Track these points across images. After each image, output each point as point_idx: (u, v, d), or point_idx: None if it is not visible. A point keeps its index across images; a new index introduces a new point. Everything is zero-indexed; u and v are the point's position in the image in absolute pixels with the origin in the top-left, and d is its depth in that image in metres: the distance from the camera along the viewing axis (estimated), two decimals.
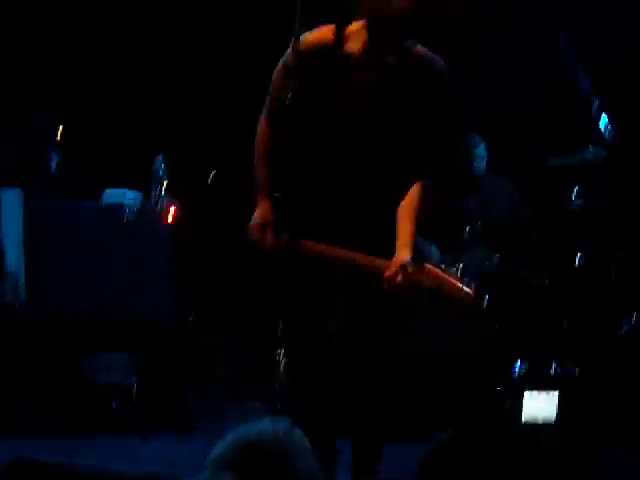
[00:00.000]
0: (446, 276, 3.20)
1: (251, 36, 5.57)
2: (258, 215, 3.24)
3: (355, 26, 3.16)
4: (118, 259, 4.68)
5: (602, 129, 4.61)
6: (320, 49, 3.17)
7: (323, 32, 3.20)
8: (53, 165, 4.92)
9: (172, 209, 4.64)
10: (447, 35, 5.07)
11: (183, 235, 4.69)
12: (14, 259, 4.70)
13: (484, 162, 5.45)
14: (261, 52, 3.87)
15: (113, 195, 4.79)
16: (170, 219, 4.61)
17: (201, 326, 4.73)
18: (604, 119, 4.61)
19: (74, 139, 5.03)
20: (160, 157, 4.76)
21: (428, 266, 3.17)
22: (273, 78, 3.27)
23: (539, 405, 4.05)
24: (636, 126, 4.87)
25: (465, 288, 3.20)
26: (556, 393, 4.09)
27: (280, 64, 3.23)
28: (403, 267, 3.02)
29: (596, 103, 4.60)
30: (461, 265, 4.75)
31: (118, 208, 4.68)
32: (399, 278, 3.03)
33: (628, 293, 4.67)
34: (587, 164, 4.77)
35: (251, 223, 3.26)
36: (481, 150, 5.41)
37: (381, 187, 3.17)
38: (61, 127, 4.86)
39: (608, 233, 4.80)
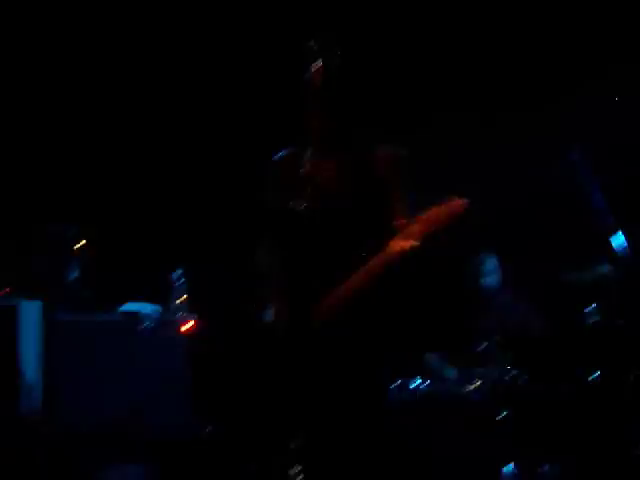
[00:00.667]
0: (432, 210, 3.24)
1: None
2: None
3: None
4: (135, 371, 4.68)
5: (617, 246, 4.68)
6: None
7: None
8: (73, 277, 4.97)
9: (190, 322, 4.72)
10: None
11: (201, 347, 4.73)
12: (32, 371, 4.70)
13: (494, 277, 5.50)
14: None
15: (132, 308, 4.83)
16: (188, 331, 4.67)
17: (217, 439, 4.73)
18: (620, 236, 4.69)
19: (94, 252, 5.09)
20: (180, 271, 4.92)
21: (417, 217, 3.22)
22: None
23: None
24: None
25: (453, 202, 3.24)
26: None
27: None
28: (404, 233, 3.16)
29: (611, 220, 4.70)
30: (478, 381, 4.91)
31: (137, 319, 4.75)
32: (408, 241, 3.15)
33: None
34: (603, 280, 4.82)
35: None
36: (489, 265, 5.49)
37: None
38: (84, 241, 4.95)
39: (624, 351, 4.80)
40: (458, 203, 3.23)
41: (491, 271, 5.51)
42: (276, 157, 3.49)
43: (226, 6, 5.94)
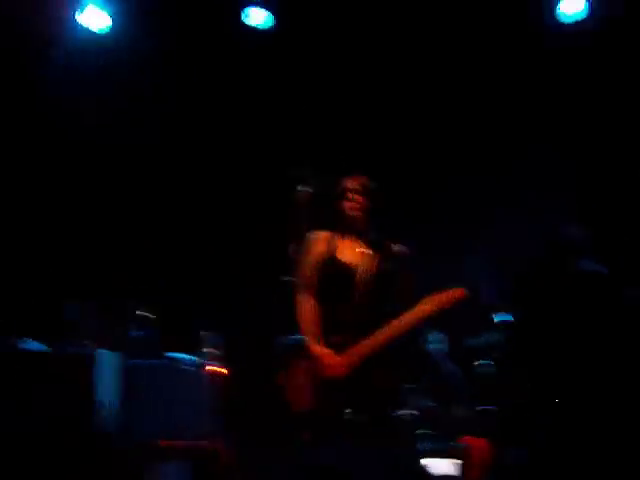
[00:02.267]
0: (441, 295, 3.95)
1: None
2: (329, 353, 3.97)
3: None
4: (182, 402, 5.94)
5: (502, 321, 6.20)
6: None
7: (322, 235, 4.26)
8: (135, 335, 6.32)
9: (224, 370, 6.08)
10: None
11: (231, 389, 5.97)
12: (107, 399, 5.80)
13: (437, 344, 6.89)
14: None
15: (177, 356, 6.19)
16: (221, 377, 6.04)
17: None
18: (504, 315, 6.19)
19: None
20: (207, 333, 6.39)
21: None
22: (299, 267, 4.19)
23: None
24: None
25: (452, 292, 3.96)
26: None
27: (304, 259, 4.19)
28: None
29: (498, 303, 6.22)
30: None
31: (182, 363, 6.07)
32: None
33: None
34: (490, 345, 6.41)
35: (329, 362, 3.95)
36: (437, 337, 6.86)
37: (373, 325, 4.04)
38: (145, 312, 6.32)
39: (505, 392, 6.18)
40: (462, 293, 3.97)
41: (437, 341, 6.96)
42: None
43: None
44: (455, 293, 3.97)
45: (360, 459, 3.81)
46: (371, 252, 4.22)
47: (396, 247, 4.28)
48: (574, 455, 5.43)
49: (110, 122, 7.06)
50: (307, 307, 4.17)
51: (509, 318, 6.13)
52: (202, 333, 6.44)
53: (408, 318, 3.98)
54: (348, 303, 4.10)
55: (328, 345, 4.07)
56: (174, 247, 7.21)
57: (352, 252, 4.24)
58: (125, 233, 7.16)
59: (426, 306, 3.98)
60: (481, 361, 6.51)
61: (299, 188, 4.45)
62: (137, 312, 6.52)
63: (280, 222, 4.46)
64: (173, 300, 7.04)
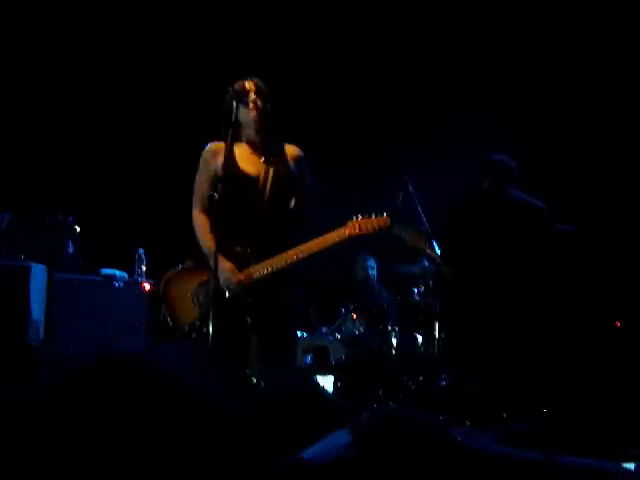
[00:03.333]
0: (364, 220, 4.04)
1: None
2: (227, 266, 4.03)
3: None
4: (109, 315, 6.01)
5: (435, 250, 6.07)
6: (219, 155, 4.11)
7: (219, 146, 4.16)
8: (69, 251, 6.32)
9: (148, 283, 6.15)
10: None
11: (155, 301, 5.53)
12: (37, 312, 5.93)
13: (374, 270, 7.17)
14: None
15: (109, 272, 6.24)
16: (147, 289, 6.07)
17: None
18: (435, 245, 6.06)
19: (84, 234, 6.41)
20: (141, 249, 6.38)
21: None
22: (196, 181, 4.19)
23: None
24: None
25: (377, 219, 4.03)
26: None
27: (201, 174, 4.18)
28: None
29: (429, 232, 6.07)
30: (337, 334, 6.64)
31: (112, 280, 6.16)
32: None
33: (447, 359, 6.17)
34: (423, 272, 6.50)
35: (227, 274, 4.02)
36: (372, 262, 7.09)
37: (277, 231, 4.15)
38: (77, 227, 6.32)
39: (436, 319, 6.29)
40: (385, 221, 4.05)
41: (372, 266, 7.15)
42: (208, 146, 4.17)
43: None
44: (379, 221, 4.03)
45: None
46: (270, 159, 4.19)
47: (291, 149, 4.27)
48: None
49: None
50: (202, 221, 4.19)
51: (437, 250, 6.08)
52: (139, 251, 6.41)
53: (326, 238, 4.05)
54: (250, 213, 4.12)
55: (231, 256, 4.11)
56: (114, 165, 7.26)
57: (251, 161, 4.22)
58: (67, 148, 7.17)
59: (346, 229, 4.04)
60: (414, 288, 6.56)
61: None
62: (75, 228, 6.48)
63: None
64: (111, 217, 7.11)
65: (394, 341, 6.46)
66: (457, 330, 6.20)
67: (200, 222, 4.21)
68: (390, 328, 6.57)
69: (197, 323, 4.13)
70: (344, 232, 4.07)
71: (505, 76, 7.27)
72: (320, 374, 6.09)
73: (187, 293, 4.18)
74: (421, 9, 7.31)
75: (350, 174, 7.29)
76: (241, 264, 4.11)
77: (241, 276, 4.08)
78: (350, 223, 4.08)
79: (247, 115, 4.13)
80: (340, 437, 1.71)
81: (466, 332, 5.89)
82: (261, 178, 4.17)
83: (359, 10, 7.31)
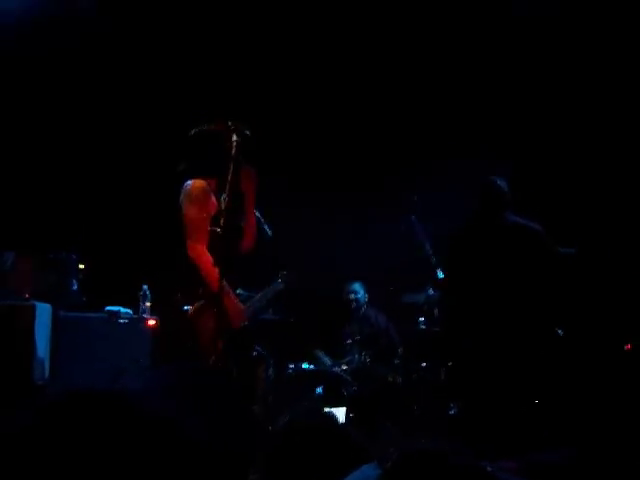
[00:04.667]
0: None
1: None
2: (240, 308, 4.29)
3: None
4: (114, 352, 5.95)
5: (438, 278, 6.09)
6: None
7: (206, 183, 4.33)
8: (73, 289, 6.33)
9: (153, 319, 6.11)
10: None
11: (161, 337, 5.75)
12: (42, 351, 5.91)
13: (361, 294, 7.03)
14: None
15: (114, 309, 6.20)
16: (151, 325, 6.04)
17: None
18: (440, 272, 6.09)
19: (89, 272, 6.43)
20: (145, 286, 6.35)
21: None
22: (196, 217, 4.26)
23: None
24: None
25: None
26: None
27: (200, 209, 4.27)
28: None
29: (435, 261, 6.10)
30: (344, 366, 6.65)
31: (117, 316, 6.12)
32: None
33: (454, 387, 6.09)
34: (428, 301, 6.39)
35: (239, 313, 4.26)
36: (356, 287, 6.99)
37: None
38: (82, 265, 6.32)
39: (440, 349, 6.30)
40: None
41: (356, 290, 7.09)
42: (199, 182, 4.29)
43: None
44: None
45: None
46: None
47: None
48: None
49: None
50: (208, 258, 4.20)
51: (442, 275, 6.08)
52: (143, 287, 6.38)
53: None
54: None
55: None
56: (118, 202, 7.25)
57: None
58: (69, 185, 7.19)
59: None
60: (420, 318, 6.49)
61: None
62: (79, 265, 6.48)
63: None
64: (115, 255, 7.09)
65: (400, 372, 6.45)
66: (460, 357, 6.14)
67: (207, 259, 4.20)
68: (397, 360, 6.59)
69: (215, 360, 4.11)
70: None
71: (503, 107, 7.32)
72: (332, 406, 6.01)
73: (208, 329, 4.15)
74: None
75: (352, 209, 7.29)
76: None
77: (246, 314, 4.35)
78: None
79: (234, 154, 4.13)
80: (368, 471, 1.65)
81: (469, 359, 5.86)
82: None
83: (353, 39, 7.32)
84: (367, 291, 7.14)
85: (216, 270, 4.03)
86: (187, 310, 4.27)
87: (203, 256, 4.21)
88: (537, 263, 5.75)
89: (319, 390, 6.27)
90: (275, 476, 2.04)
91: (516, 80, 7.24)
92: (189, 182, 4.30)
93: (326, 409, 5.63)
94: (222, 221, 4.03)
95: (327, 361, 6.86)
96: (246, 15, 6.96)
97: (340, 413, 5.93)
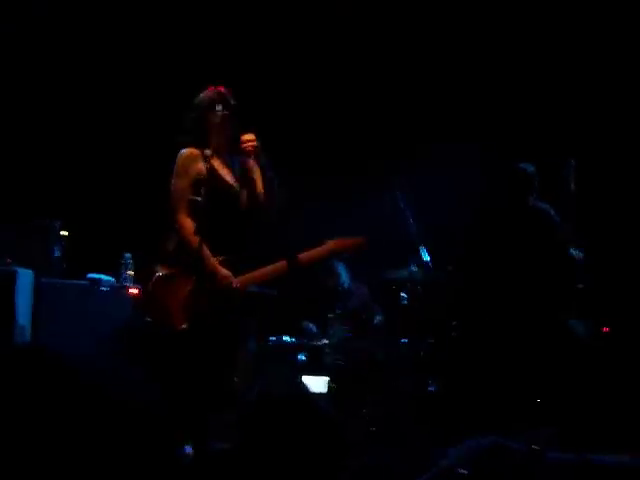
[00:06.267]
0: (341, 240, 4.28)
1: None
2: (226, 273, 4.14)
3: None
4: (95, 319, 5.91)
5: (423, 257, 6.08)
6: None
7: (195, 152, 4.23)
8: (55, 255, 6.25)
9: (135, 288, 6.02)
10: None
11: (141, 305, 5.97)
12: (24, 316, 5.87)
13: (343, 276, 6.92)
14: None
15: (95, 276, 6.13)
16: (133, 294, 5.95)
17: None
18: (424, 251, 6.10)
19: (71, 239, 6.35)
20: (128, 254, 6.29)
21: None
22: (176, 188, 4.19)
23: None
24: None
25: (353, 240, 4.29)
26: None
27: (182, 179, 4.18)
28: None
29: (418, 237, 6.09)
30: (325, 340, 6.60)
31: (98, 284, 6.07)
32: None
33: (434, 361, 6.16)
34: (411, 278, 6.38)
35: (223, 277, 4.12)
36: (341, 269, 6.90)
37: (251, 238, 4.31)
38: (65, 232, 6.24)
39: (421, 324, 6.33)
40: (362, 241, 4.35)
41: (342, 273, 6.97)
42: (184, 151, 4.19)
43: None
44: (357, 242, 4.32)
45: None
46: (243, 170, 4.31)
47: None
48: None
49: None
50: (189, 225, 4.16)
51: (427, 257, 6.07)
52: (125, 255, 6.30)
53: (308, 255, 4.23)
54: (230, 220, 4.21)
55: (226, 263, 4.22)
56: (101, 169, 7.22)
57: (225, 169, 4.29)
58: (53, 152, 7.15)
59: (325, 248, 4.29)
60: (401, 293, 6.45)
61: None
62: (61, 232, 6.39)
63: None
64: (98, 222, 7.07)
65: (380, 346, 6.44)
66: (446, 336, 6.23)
67: (187, 226, 4.17)
68: (378, 335, 6.61)
69: (185, 328, 4.09)
70: (323, 250, 4.29)
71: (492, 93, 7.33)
72: (314, 374, 6.03)
73: (178, 299, 4.13)
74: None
75: (337, 189, 7.24)
76: (236, 271, 4.23)
77: (239, 282, 4.19)
78: (329, 242, 4.33)
79: (219, 123, 4.14)
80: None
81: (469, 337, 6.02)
82: (237, 186, 4.30)
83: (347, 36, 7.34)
84: (348, 269, 7.03)
85: (195, 238, 4.04)
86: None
87: (180, 224, 4.19)
88: (546, 250, 5.97)
89: (301, 357, 6.23)
90: (247, 445, 2.04)
91: (506, 63, 7.27)
92: (180, 152, 4.28)
93: (307, 377, 5.81)
94: (202, 190, 4.04)
95: (313, 329, 6.81)
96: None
97: (322, 382, 5.92)
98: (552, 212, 6.13)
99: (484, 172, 6.84)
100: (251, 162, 4.23)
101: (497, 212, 6.33)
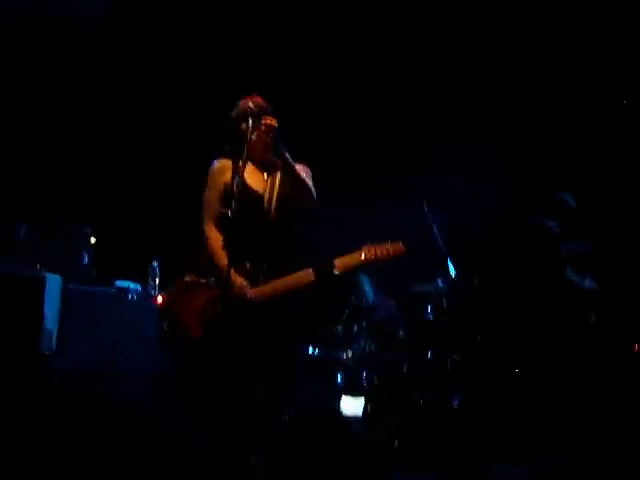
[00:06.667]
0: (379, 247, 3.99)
1: None
2: (240, 281, 4.03)
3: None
4: (121, 327, 5.98)
5: (450, 271, 6.07)
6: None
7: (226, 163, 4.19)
8: (84, 262, 6.32)
9: (161, 296, 5.65)
10: None
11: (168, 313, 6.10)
12: (51, 322, 5.95)
13: (370, 291, 6.79)
14: None
15: (123, 284, 6.20)
16: (160, 302, 5.58)
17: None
18: (451, 266, 6.07)
19: (99, 245, 6.42)
20: (155, 262, 6.35)
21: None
22: (207, 198, 4.17)
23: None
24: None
25: (394, 246, 3.99)
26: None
27: (211, 191, 4.16)
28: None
29: (445, 252, 6.04)
30: (350, 353, 6.50)
31: (126, 291, 6.11)
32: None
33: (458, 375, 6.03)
34: (437, 292, 6.30)
35: (238, 287, 4.00)
36: (365, 283, 6.76)
37: (282, 248, 4.16)
38: (93, 238, 6.28)
39: (449, 339, 6.19)
40: (401, 248, 4.03)
41: (367, 289, 6.82)
42: (215, 163, 4.16)
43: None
44: (395, 248, 3.98)
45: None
46: (275, 176, 4.21)
47: (299, 166, 4.20)
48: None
49: None
50: (216, 237, 4.14)
51: (454, 271, 6.06)
52: (153, 264, 6.38)
53: (342, 262, 3.99)
54: (257, 230, 4.10)
55: (241, 273, 4.09)
56: (132, 178, 7.23)
57: (256, 178, 4.22)
58: (85, 157, 7.18)
59: (362, 253, 3.98)
60: (427, 306, 6.39)
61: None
62: (90, 238, 6.47)
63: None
64: (127, 229, 7.08)
65: (405, 360, 6.28)
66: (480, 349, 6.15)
67: (214, 237, 4.16)
68: (403, 349, 6.44)
69: (199, 337, 4.09)
70: (359, 256, 4.00)
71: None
72: (351, 395, 6.01)
73: (195, 308, 4.13)
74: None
75: (365, 200, 7.17)
76: (250, 281, 4.09)
77: (253, 292, 4.05)
78: (365, 248, 4.01)
79: (256, 133, 4.08)
80: None
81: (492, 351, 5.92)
82: (266, 195, 4.17)
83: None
84: (372, 282, 6.93)
85: (218, 249, 4.07)
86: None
87: (208, 235, 4.20)
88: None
89: (338, 379, 6.21)
90: (277, 465, 2.04)
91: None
92: (212, 163, 4.29)
93: (344, 398, 5.83)
94: (232, 202, 3.98)
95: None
96: None
97: (359, 403, 5.89)
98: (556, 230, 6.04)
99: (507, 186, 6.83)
100: (278, 163, 4.17)
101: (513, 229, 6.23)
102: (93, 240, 6.38)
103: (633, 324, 6.13)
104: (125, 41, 7.30)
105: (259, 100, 4.15)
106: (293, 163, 4.07)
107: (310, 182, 4.19)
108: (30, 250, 6.23)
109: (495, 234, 6.57)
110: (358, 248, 4.02)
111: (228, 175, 4.15)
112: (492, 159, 6.71)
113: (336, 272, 3.98)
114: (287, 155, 4.06)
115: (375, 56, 7.35)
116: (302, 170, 4.21)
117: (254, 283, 4.11)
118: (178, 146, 7.21)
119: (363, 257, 3.97)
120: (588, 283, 5.89)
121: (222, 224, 4.13)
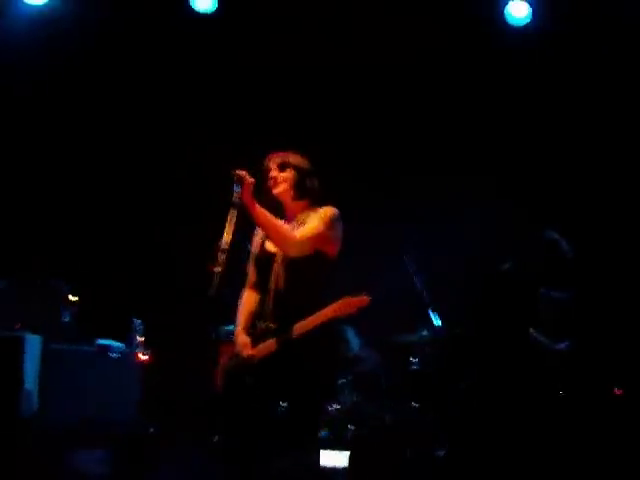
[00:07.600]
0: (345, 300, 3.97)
1: None
2: (242, 341, 4.10)
3: None
4: (103, 386, 5.89)
5: (432, 319, 6.10)
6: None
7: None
8: (65, 320, 6.18)
9: (143, 354, 6.03)
10: None
11: (151, 372, 5.96)
12: (31, 383, 5.83)
13: (354, 342, 6.79)
14: None
15: (105, 342, 6.08)
16: (143, 360, 5.97)
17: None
18: (436, 316, 6.10)
19: (81, 303, 6.27)
20: (138, 320, 6.27)
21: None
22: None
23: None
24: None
25: (357, 298, 3.97)
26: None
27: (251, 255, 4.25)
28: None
29: (429, 302, 6.10)
30: (336, 405, 6.49)
31: (108, 350, 6.02)
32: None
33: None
34: (421, 341, 6.35)
35: (239, 346, 4.10)
36: (349, 335, 6.76)
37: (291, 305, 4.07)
38: (75, 297, 6.15)
39: (431, 391, 6.28)
40: (365, 299, 4.00)
41: (352, 339, 6.84)
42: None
43: None
44: (360, 300, 3.97)
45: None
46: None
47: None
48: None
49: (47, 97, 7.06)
50: (243, 299, 4.26)
51: (438, 322, 6.09)
52: (136, 321, 6.29)
53: (312, 320, 3.98)
54: (268, 290, 4.12)
55: (255, 332, 4.14)
56: (110, 233, 7.17)
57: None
58: (61, 214, 7.14)
59: (328, 310, 3.98)
60: (411, 358, 6.41)
61: None
62: (70, 297, 6.35)
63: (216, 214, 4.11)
64: (109, 287, 7.02)
65: (389, 411, 6.34)
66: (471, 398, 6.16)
67: (242, 298, 4.31)
68: (388, 400, 6.49)
69: (219, 391, 4.19)
70: (316, 318, 4.00)
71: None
72: (337, 449, 5.93)
73: (221, 365, 4.27)
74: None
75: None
76: (262, 339, 4.11)
77: (251, 352, 4.08)
78: (333, 304, 4.02)
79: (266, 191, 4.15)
80: None
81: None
82: (278, 254, 4.14)
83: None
84: (358, 335, 6.92)
85: (239, 313, 4.27)
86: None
87: (241, 296, 4.35)
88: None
89: (324, 434, 6.13)
90: None
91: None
92: None
93: (329, 452, 5.77)
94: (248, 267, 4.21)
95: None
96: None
97: (344, 457, 5.81)
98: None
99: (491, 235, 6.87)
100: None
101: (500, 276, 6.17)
102: (75, 298, 6.27)
103: (612, 368, 6.18)
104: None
105: (270, 157, 4.23)
106: (254, 211, 3.95)
107: (308, 227, 4.13)
108: (8, 308, 6.13)
109: (475, 283, 6.56)
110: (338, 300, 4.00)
111: (257, 237, 4.30)
112: (476, 204, 6.81)
113: (294, 336, 4.00)
114: (240, 202, 3.92)
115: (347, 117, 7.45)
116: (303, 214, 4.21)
117: (263, 341, 4.12)
118: (162, 199, 7.23)
119: (323, 317, 3.98)
120: (561, 345, 5.84)
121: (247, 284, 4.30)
